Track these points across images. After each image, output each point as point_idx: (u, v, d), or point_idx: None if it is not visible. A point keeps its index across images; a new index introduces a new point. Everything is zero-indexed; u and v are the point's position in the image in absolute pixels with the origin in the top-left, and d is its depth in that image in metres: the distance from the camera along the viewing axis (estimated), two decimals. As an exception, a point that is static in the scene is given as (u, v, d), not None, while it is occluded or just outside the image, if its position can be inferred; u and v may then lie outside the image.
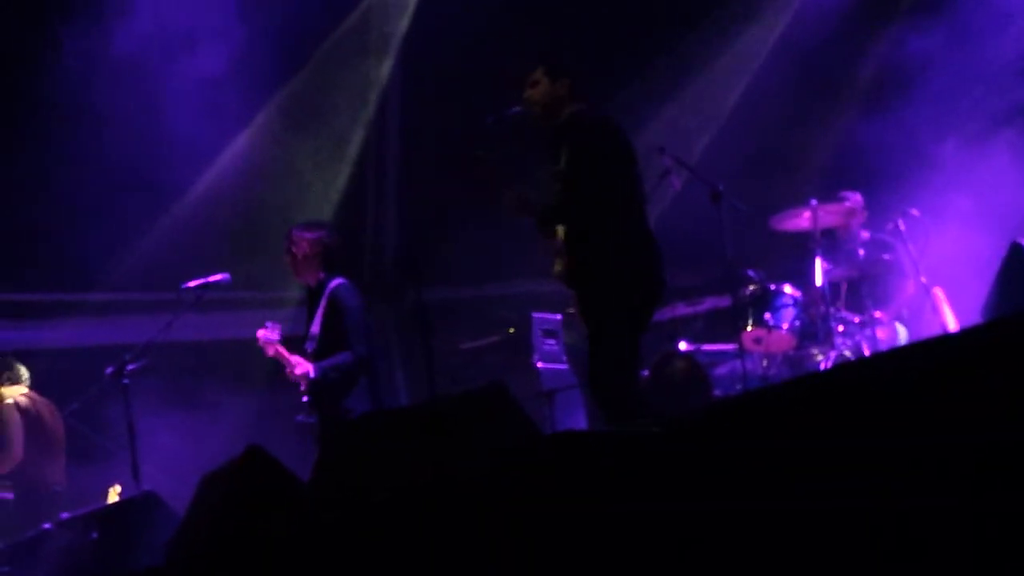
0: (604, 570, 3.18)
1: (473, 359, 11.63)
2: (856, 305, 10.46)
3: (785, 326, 10.32)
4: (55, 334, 12.22)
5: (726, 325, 10.67)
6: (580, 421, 10.70)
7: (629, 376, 7.31)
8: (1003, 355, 2.96)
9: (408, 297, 7.95)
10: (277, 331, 9.43)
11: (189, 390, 11.77)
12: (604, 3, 12.85)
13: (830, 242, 10.77)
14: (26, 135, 11.79)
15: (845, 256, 10.70)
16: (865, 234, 10.88)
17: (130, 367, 9.41)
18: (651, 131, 12.30)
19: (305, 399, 9.39)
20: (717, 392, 10.53)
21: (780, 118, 12.37)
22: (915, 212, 10.32)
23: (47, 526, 8.47)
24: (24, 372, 10.80)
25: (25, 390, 10.73)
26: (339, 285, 9.42)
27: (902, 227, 10.29)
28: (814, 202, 10.36)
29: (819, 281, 10.29)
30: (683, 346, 10.87)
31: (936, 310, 10.26)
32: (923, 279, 10.23)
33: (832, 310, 10.17)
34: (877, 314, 10.30)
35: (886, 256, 10.53)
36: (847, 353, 10.08)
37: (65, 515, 8.40)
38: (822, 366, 10.12)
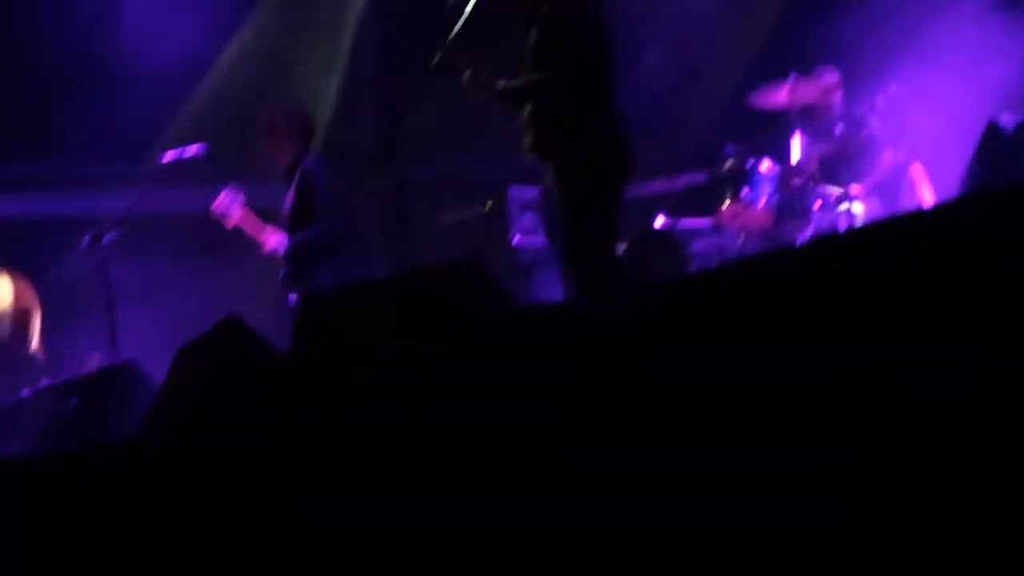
0: (575, 436, 3.22)
1: (452, 234, 11.63)
2: (834, 181, 10.47)
3: (763, 201, 10.34)
4: (30, 205, 12.17)
5: (704, 200, 10.69)
6: (558, 296, 10.74)
7: (605, 249, 7.31)
8: (971, 230, 2.99)
9: (387, 173, 7.91)
10: (239, 199, 9.46)
11: (167, 262, 11.76)
12: None
13: (808, 118, 10.76)
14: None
15: (823, 132, 10.70)
16: (842, 109, 10.86)
17: (107, 237, 9.40)
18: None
19: (281, 276, 9.46)
20: (694, 267, 10.56)
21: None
22: (894, 87, 10.31)
23: (25, 394, 8.50)
24: None
25: None
26: (309, 161, 9.47)
27: (880, 103, 10.29)
28: (793, 77, 10.34)
29: (797, 157, 10.31)
30: (660, 221, 10.88)
31: (913, 186, 10.29)
32: (901, 155, 10.25)
33: (810, 185, 10.19)
34: (855, 189, 10.32)
35: (863, 132, 10.53)
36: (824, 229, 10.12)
37: (44, 382, 8.44)
38: (799, 241, 10.16)
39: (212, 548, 4.02)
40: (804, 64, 10.84)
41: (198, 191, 12.15)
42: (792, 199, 10.34)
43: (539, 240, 11.20)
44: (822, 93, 10.68)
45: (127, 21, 11.77)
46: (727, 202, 10.35)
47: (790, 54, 11.58)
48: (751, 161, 10.44)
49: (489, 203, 11.45)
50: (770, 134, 10.92)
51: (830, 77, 10.77)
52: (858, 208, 10.25)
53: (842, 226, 10.11)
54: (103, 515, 4.27)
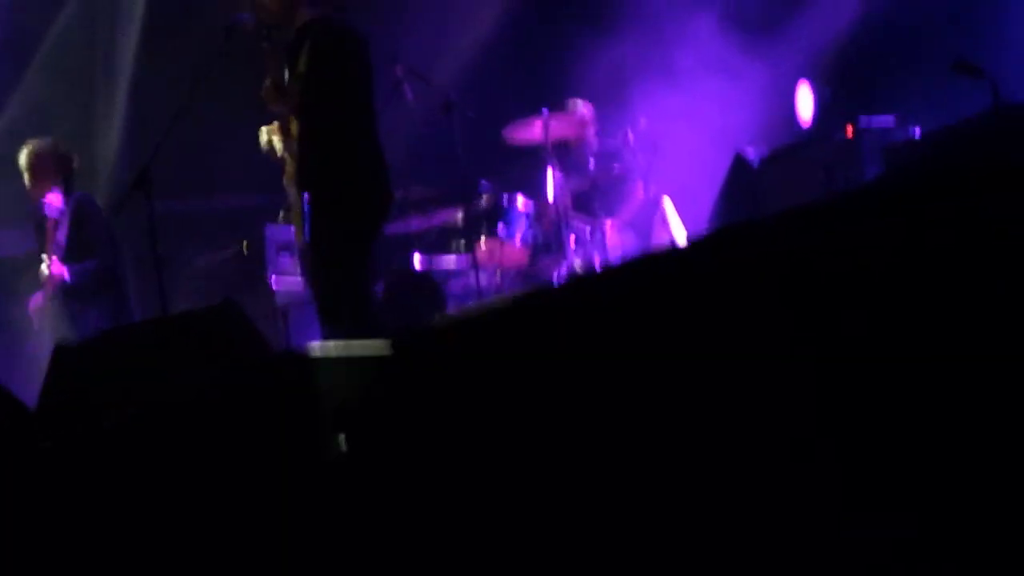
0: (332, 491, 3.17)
1: (208, 275, 11.46)
2: (588, 214, 10.56)
3: (518, 237, 10.38)
4: None
5: (460, 238, 10.70)
6: (314, 337, 10.65)
7: (357, 289, 7.26)
8: (726, 264, 3.01)
9: (140, 211, 7.78)
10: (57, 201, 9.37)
11: None
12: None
13: (562, 153, 10.84)
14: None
15: (576, 167, 10.79)
16: (595, 144, 10.97)
17: None
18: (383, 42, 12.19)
19: (35, 303, 9.34)
20: (452, 307, 10.56)
21: (511, 26, 12.38)
22: (644, 121, 10.46)
23: None
24: None
25: None
26: (82, 196, 9.45)
27: (631, 137, 10.43)
28: (546, 112, 10.41)
29: (551, 193, 10.37)
30: (417, 259, 10.85)
31: (664, 220, 10.43)
32: (652, 188, 10.39)
33: (564, 221, 10.26)
34: (608, 222, 10.42)
35: (616, 165, 10.65)
36: (578, 264, 10.20)
37: None
38: (555, 275, 10.22)
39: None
40: (556, 97, 10.94)
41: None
42: (547, 235, 10.42)
43: (296, 281, 11.12)
44: (575, 127, 10.78)
45: None
46: (483, 239, 10.37)
47: (542, 88, 11.69)
48: (506, 197, 10.47)
49: (245, 243, 11.31)
50: (524, 169, 10.99)
51: (583, 111, 10.88)
52: (613, 242, 10.35)
53: (597, 262, 10.19)
54: None
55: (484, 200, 10.46)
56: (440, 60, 12.22)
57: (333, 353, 3.49)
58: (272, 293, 10.73)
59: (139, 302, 11.56)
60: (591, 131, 10.99)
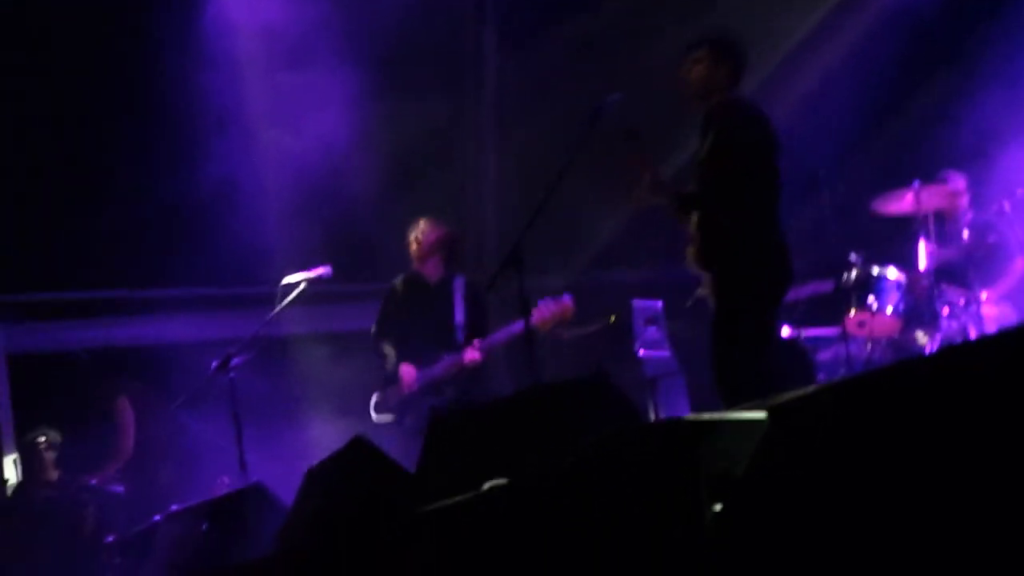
0: (704, 556, 3.18)
1: (576, 347, 11.61)
2: (962, 286, 10.32)
3: (889, 309, 10.23)
4: (161, 330, 12.35)
5: (829, 309, 10.59)
6: (683, 408, 10.67)
7: (757, 366, 7.28)
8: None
9: (509, 286, 7.97)
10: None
11: (293, 383, 11.86)
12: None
13: (934, 224, 10.64)
14: (121, 133, 11.91)
15: (949, 238, 10.58)
16: (969, 215, 10.74)
17: (235, 361, 9.51)
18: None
19: (410, 387, 9.62)
20: (821, 377, 10.45)
21: (878, 100, 12.25)
22: (1022, 192, 10.18)
23: (157, 518, 8.58)
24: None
25: None
26: (471, 281, 9.73)
27: (1007, 208, 10.18)
28: (917, 184, 10.26)
29: (923, 264, 10.20)
30: (786, 331, 10.79)
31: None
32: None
33: (937, 292, 10.07)
34: (983, 294, 10.18)
35: (991, 238, 10.40)
36: (954, 336, 9.98)
37: (175, 507, 8.50)
38: (927, 349, 10.02)
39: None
40: (925, 169, 10.75)
41: (323, 311, 12.32)
42: (919, 306, 10.23)
43: (664, 353, 11.16)
44: (947, 198, 10.57)
45: (254, 151, 11.95)
46: (853, 310, 10.25)
47: (910, 159, 11.52)
48: (876, 269, 10.34)
49: (612, 316, 11.43)
50: (895, 241, 10.82)
51: (956, 182, 10.67)
52: (989, 313, 10.10)
53: (972, 332, 9.95)
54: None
55: (855, 271, 10.34)
56: (807, 132, 12.16)
57: (710, 421, 3.51)
58: (640, 365, 10.80)
59: (510, 375, 11.80)
60: (964, 201, 10.76)
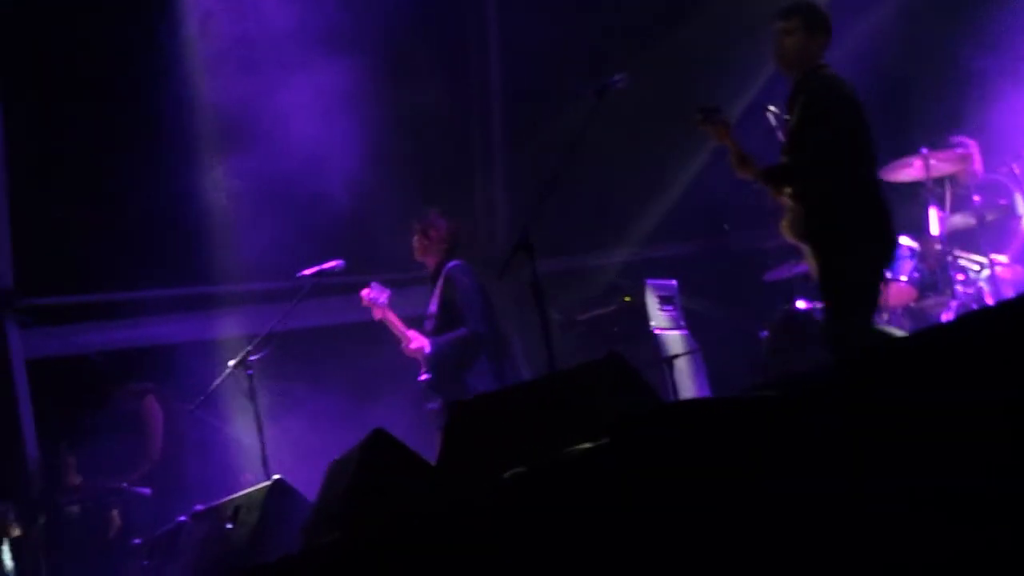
0: (733, 537, 3.18)
1: (591, 329, 11.61)
2: (974, 251, 10.30)
3: (903, 278, 10.20)
4: (177, 329, 12.37)
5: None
6: (702, 386, 10.68)
7: (864, 325, 7.37)
8: None
9: (522, 272, 7.99)
10: (385, 295, 9.69)
11: (312, 376, 11.87)
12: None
13: (943, 190, 10.62)
14: (134, 137, 11.93)
15: (960, 203, 10.56)
16: (978, 179, 10.72)
17: (252, 357, 9.53)
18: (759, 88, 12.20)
19: (423, 377, 9.59)
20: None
21: (884, 67, 12.22)
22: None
23: (183, 519, 8.60)
24: None
25: None
26: (454, 266, 9.69)
27: (1017, 170, 10.15)
28: (925, 150, 10.23)
29: (935, 230, 10.17)
30: (801, 304, 10.77)
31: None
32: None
33: (950, 258, 10.05)
34: (996, 259, 10.15)
35: (1002, 200, 10.37)
36: (969, 302, 9.96)
37: (199, 507, 8.53)
38: (943, 316, 10.00)
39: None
40: (933, 136, 10.73)
41: (338, 304, 12.33)
42: (933, 273, 10.21)
43: (680, 331, 11.16)
44: (957, 163, 10.54)
45: (262, 149, 11.96)
46: (867, 280, 10.23)
47: (918, 127, 11.50)
48: (888, 237, 10.32)
49: (627, 296, 11.42)
50: (905, 209, 10.80)
51: (965, 146, 10.63)
52: (1004, 276, 10.08)
53: (988, 298, 9.93)
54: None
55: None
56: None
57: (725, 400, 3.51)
58: (656, 344, 10.80)
59: (526, 360, 11.81)
60: (973, 166, 10.73)
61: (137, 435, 11.03)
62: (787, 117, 7.63)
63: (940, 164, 10.37)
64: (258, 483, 8.60)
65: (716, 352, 11.13)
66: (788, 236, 7.73)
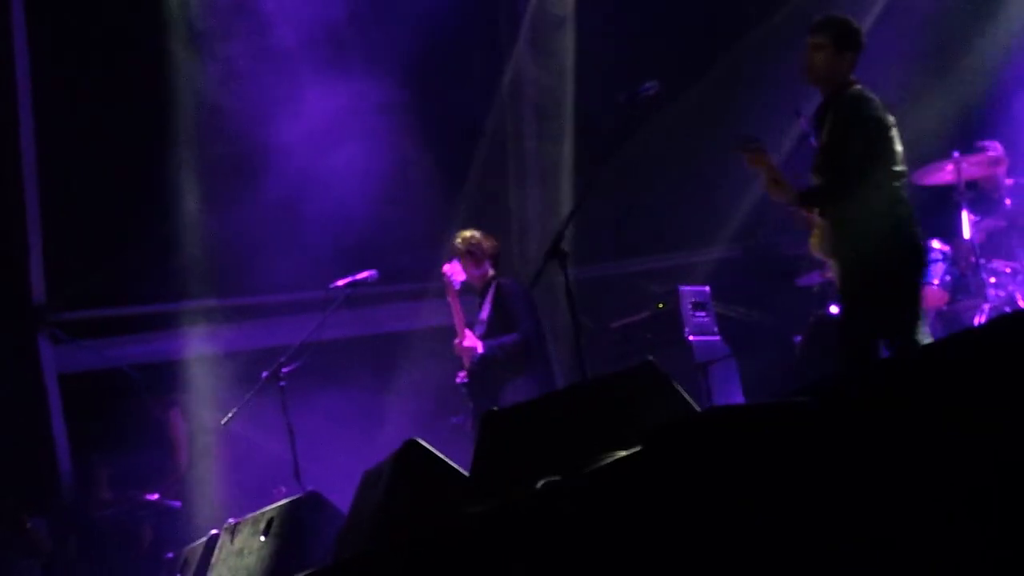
0: (768, 545, 3.17)
1: (624, 336, 11.59)
2: (1007, 255, 10.26)
3: (936, 282, 10.17)
4: (210, 341, 12.39)
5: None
6: (735, 392, 10.64)
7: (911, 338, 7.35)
8: None
9: (555, 280, 8.02)
10: (460, 278, 9.76)
11: (344, 387, 11.88)
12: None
13: (975, 193, 10.59)
14: (162, 153, 11.99)
15: (992, 206, 10.53)
16: (1010, 182, 10.69)
17: (285, 369, 9.55)
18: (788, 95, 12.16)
19: (461, 379, 9.63)
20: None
21: (914, 70, 12.21)
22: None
23: (215, 532, 8.61)
24: None
25: None
26: (505, 279, 9.82)
27: (1047, 172, 10.12)
28: (956, 154, 10.21)
29: (967, 233, 10.14)
30: (834, 309, 10.74)
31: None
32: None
33: (982, 261, 10.01)
34: (1029, 262, 10.13)
35: (1034, 202, 10.34)
36: (1001, 305, 9.92)
37: (232, 519, 8.53)
38: (976, 320, 9.96)
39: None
40: (965, 140, 10.69)
41: (371, 314, 12.35)
42: (966, 276, 10.18)
43: (713, 337, 11.13)
44: (988, 166, 10.51)
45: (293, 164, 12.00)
46: (899, 285, 10.19)
47: (949, 130, 11.46)
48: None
49: (661, 303, 11.41)
50: (937, 213, 10.77)
51: (995, 150, 10.60)
52: (1036, 280, 10.04)
53: (1020, 301, 9.89)
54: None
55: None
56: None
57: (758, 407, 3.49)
58: (690, 350, 10.77)
59: (561, 368, 11.81)
60: (1003, 168, 10.70)
61: (165, 448, 11.06)
62: (818, 132, 7.63)
63: (971, 168, 10.35)
64: (291, 495, 8.61)
65: (749, 358, 11.09)
66: (817, 252, 7.78)
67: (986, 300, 9.90)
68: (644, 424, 5.24)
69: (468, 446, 9.16)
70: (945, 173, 10.33)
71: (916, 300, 7.45)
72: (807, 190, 7.63)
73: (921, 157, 10.58)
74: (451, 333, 9.93)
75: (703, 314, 11.27)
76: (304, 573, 6.91)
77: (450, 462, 6.37)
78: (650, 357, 6.09)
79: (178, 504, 10.71)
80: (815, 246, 7.71)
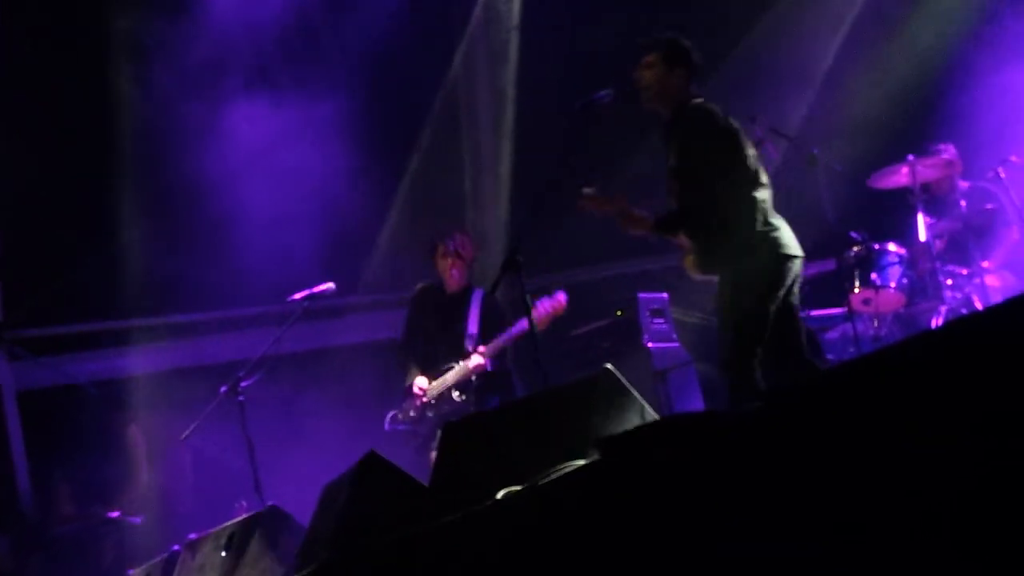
0: (726, 554, 3.17)
1: (584, 344, 11.59)
2: (962, 257, 10.30)
3: (893, 284, 10.21)
4: (168, 356, 12.35)
5: (833, 289, 10.57)
6: (695, 398, 10.65)
7: (751, 357, 7.27)
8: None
9: (514, 288, 8.02)
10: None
11: (303, 400, 11.86)
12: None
13: (930, 196, 10.64)
14: (117, 167, 11.95)
15: (947, 208, 10.58)
16: (964, 184, 10.74)
17: (244, 383, 9.51)
18: (744, 101, 12.20)
19: (458, 395, 9.65)
20: (830, 356, 10.44)
21: (869, 75, 12.27)
22: (1015, 159, 10.16)
23: (176, 548, 8.57)
24: None
25: None
26: (488, 293, 9.78)
27: (1003, 174, 10.15)
28: (911, 157, 10.26)
29: (923, 236, 10.19)
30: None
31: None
32: (1028, 226, 10.09)
33: (939, 264, 10.05)
34: (985, 263, 10.16)
35: (988, 205, 10.37)
36: (958, 307, 9.97)
37: (193, 535, 8.50)
38: (933, 322, 10.00)
39: None
40: (918, 144, 10.74)
41: (328, 327, 12.32)
42: (922, 279, 10.22)
43: (672, 344, 11.14)
44: (943, 169, 10.56)
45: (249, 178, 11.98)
46: (857, 288, 10.23)
47: (903, 134, 11.51)
48: (877, 245, 10.33)
49: (619, 310, 11.41)
50: (893, 216, 10.82)
51: (949, 153, 10.66)
52: (991, 283, 10.08)
53: (977, 302, 9.94)
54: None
55: (855, 250, 10.32)
56: (799, 114, 12.17)
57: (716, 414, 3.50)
58: (649, 357, 10.78)
59: (521, 377, 11.80)
60: (957, 171, 10.75)
61: (122, 464, 11.02)
62: (666, 155, 7.56)
63: (926, 170, 10.40)
64: (252, 510, 8.57)
65: (709, 364, 11.10)
66: (695, 274, 7.68)
67: (943, 302, 9.94)
68: (603, 433, 5.25)
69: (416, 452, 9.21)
70: (900, 176, 10.37)
71: (759, 318, 7.31)
72: (663, 217, 7.51)
73: (877, 161, 10.65)
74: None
75: (662, 321, 11.27)
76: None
77: (409, 474, 6.37)
78: (609, 365, 6.10)
79: (139, 520, 10.66)
80: (691, 268, 7.65)
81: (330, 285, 9.79)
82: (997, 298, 9.87)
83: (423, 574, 4.37)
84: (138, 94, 11.97)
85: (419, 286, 10.37)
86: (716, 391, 10.72)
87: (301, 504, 7.83)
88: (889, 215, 10.97)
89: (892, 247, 10.31)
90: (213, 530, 8.35)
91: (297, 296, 9.77)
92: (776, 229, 7.41)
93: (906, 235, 10.39)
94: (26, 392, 11.85)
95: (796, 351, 7.49)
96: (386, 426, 9.98)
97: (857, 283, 10.26)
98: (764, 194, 7.45)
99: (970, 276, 10.14)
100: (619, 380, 5.96)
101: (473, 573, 4.01)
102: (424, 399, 9.80)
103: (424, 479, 6.33)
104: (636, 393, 5.99)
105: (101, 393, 11.60)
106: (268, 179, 11.97)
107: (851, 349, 10.14)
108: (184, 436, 9.84)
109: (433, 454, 8.39)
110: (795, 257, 7.44)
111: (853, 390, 3.27)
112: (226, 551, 7.78)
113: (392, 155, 13.24)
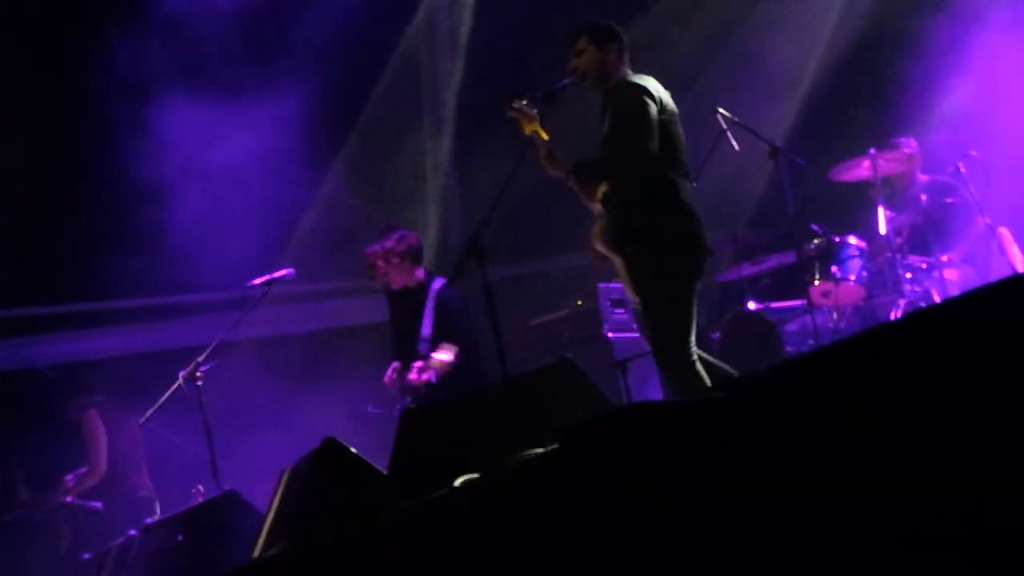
0: (684, 542, 3.17)
1: (544, 334, 11.58)
2: (922, 251, 10.34)
3: (852, 277, 10.25)
4: (126, 340, 12.31)
5: (793, 281, 10.60)
6: (655, 388, 10.66)
7: (687, 340, 7.23)
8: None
9: (475, 279, 7.99)
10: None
11: (262, 386, 11.82)
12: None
13: (891, 190, 10.67)
14: (81, 145, 11.89)
15: (907, 202, 10.61)
16: (925, 178, 10.78)
17: (202, 368, 9.48)
18: (706, 92, 12.20)
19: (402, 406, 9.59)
20: (789, 349, 10.46)
21: (830, 70, 12.31)
22: (975, 153, 10.20)
23: (133, 532, 8.54)
24: None
25: None
26: (443, 289, 9.70)
27: (963, 169, 10.19)
28: (872, 151, 10.29)
29: (883, 229, 10.21)
30: (752, 305, 10.80)
31: (1003, 250, 10.15)
32: (987, 220, 10.12)
33: (899, 257, 10.08)
34: (944, 257, 10.20)
35: (949, 199, 10.41)
36: (917, 300, 10.01)
37: (150, 520, 8.48)
38: (892, 315, 10.04)
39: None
40: (879, 137, 10.77)
41: (287, 313, 12.29)
42: (882, 272, 10.25)
43: (632, 334, 11.15)
44: (904, 163, 10.61)
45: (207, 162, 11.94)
46: (817, 280, 10.26)
47: (865, 128, 11.54)
48: (837, 237, 10.36)
49: (580, 300, 11.42)
50: (854, 209, 10.85)
51: (910, 146, 10.70)
52: (951, 276, 10.12)
53: (936, 295, 9.98)
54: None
55: (816, 242, 10.35)
56: (762, 106, 12.17)
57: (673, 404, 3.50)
58: (610, 347, 10.78)
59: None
60: (918, 165, 10.80)
61: (80, 448, 10.95)
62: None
63: (888, 164, 10.44)
64: (210, 495, 8.55)
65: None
66: (597, 245, 7.62)
67: (902, 295, 9.97)
68: (561, 421, 5.25)
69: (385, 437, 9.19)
70: (862, 170, 10.41)
71: (691, 304, 7.28)
72: (584, 161, 7.50)
73: (838, 154, 10.69)
74: (370, 332, 9.90)
75: (622, 311, 11.27)
76: (222, 573, 6.89)
77: (368, 461, 6.36)
78: (568, 355, 6.11)
79: (98, 505, 10.61)
80: (595, 238, 7.56)
81: (290, 271, 9.76)
82: (955, 292, 9.91)
83: (380, 561, 4.36)
84: (114, 77, 11.90)
85: None
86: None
87: (258, 489, 7.82)
88: (850, 208, 11.01)
89: (852, 240, 10.35)
90: (170, 515, 8.34)
91: (257, 281, 9.73)
92: (698, 221, 7.39)
93: (866, 228, 10.42)
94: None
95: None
96: (368, 408, 9.96)
97: (817, 276, 10.29)
98: (684, 181, 7.43)
99: (929, 270, 10.18)
100: (578, 369, 5.97)
101: (431, 561, 4.01)
102: (391, 387, 9.78)
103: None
104: (595, 382, 6.01)
105: (58, 377, 11.54)
106: (224, 168, 11.92)
107: (810, 341, 10.16)
108: (142, 421, 9.81)
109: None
110: (710, 254, 7.44)
111: (812, 381, 3.28)
112: (182, 536, 7.77)
113: (341, 142, 13.22)
